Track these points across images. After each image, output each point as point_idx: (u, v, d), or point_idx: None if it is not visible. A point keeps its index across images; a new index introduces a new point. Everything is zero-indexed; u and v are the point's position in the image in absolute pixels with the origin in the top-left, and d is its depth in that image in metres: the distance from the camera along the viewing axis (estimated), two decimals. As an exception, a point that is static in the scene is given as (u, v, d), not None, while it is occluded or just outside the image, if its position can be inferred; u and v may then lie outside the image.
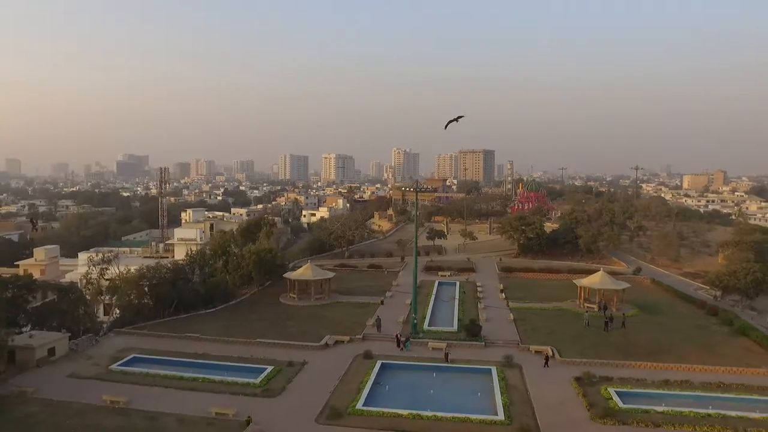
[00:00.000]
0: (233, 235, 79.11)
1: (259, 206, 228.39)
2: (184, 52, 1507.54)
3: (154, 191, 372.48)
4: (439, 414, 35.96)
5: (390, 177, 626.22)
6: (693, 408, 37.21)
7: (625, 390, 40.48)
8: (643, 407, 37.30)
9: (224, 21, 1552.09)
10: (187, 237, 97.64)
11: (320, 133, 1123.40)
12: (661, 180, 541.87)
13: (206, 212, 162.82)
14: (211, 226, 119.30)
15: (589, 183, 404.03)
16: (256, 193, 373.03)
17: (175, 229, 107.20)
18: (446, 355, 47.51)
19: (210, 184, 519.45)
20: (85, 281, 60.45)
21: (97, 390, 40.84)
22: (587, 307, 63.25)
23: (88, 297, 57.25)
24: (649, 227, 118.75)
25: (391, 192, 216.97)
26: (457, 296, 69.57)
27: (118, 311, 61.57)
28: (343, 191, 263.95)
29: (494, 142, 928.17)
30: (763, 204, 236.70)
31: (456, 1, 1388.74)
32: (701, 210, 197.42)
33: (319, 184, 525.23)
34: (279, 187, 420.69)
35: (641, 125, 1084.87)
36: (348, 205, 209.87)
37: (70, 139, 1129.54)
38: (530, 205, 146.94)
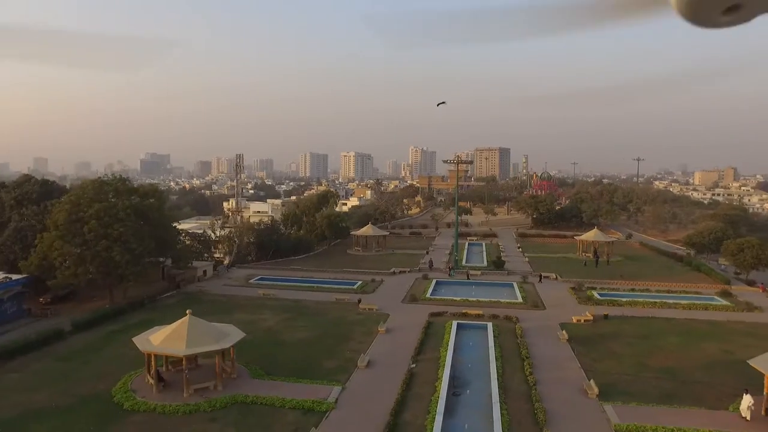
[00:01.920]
0: (309, 203, 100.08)
1: (293, 198, 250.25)
2: (199, 52, 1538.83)
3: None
4: (480, 299, 56.36)
5: (407, 174, 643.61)
6: (646, 299, 57.14)
7: (603, 292, 60.43)
8: (613, 298, 57.29)
9: (238, 20, 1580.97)
10: (261, 210, 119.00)
11: (337, 132, 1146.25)
12: (674, 178, 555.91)
13: (246, 201, 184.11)
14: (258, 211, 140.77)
15: (603, 180, 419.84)
16: (283, 187, 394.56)
17: (250, 204, 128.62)
18: (467, 274, 68.12)
19: (235, 181, 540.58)
20: (210, 231, 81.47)
21: (249, 290, 61.71)
22: (584, 255, 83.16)
23: (218, 242, 78.42)
24: (647, 210, 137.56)
25: (418, 181, 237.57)
26: (484, 250, 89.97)
27: (228, 255, 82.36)
28: (369, 183, 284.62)
29: (509, 141, 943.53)
30: (764, 196, 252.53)
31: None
32: (705, 202, 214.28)
33: (339, 181, 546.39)
34: (303, 183, 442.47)
35: (658, 125, 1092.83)
36: (376, 196, 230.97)
37: (91, 139, 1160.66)
38: (543, 192, 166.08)
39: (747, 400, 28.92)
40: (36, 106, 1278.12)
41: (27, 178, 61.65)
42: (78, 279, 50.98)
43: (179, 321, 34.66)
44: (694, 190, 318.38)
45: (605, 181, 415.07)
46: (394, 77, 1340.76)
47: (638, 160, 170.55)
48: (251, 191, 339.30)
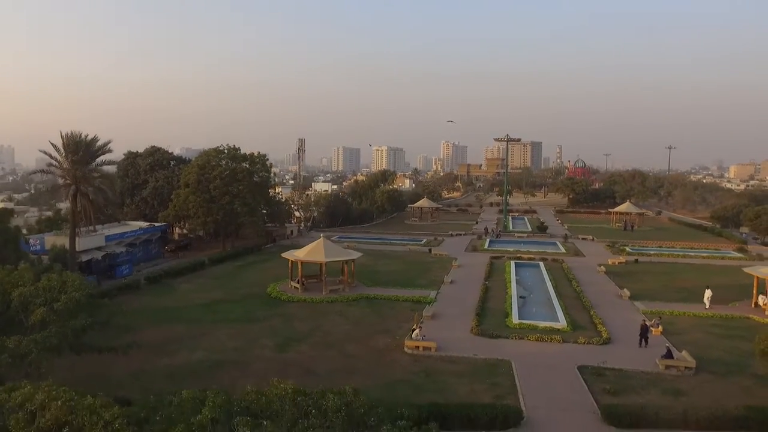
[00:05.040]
0: (370, 180, 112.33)
1: (335, 186, 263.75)
2: (233, 48, 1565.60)
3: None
4: (530, 249, 67.62)
5: (439, 168, 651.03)
6: (671, 252, 67.66)
7: (633, 248, 70.99)
8: (643, 251, 67.94)
9: (266, 17, 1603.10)
10: (322, 189, 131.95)
11: (366, 127, 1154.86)
12: (709, 172, 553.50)
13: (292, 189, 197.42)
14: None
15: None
16: (321, 178, 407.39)
17: (313, 183, 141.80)
18: (498, 234, 79.33)
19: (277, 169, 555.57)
20: (290, 200, 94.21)
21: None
22: (618, 225, 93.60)
23: (296, 211, 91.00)
24: (677, 194, 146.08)
25: (458, 170, 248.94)
26: (526, 221, 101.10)
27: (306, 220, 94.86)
28: (407, 174, 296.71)
29: (541, 135, 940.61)
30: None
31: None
32: (736, 192, 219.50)
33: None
34: (340, 176, 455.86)
35: (693, 121, 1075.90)
36: (413, 185, 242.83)
37: (128, 134, 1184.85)
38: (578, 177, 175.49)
39: (707, 294, 40.85)
40: (78, 102, 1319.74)
41: (156, 149, 74.68)
42: (207, 225, 63.80)
43: (315, 242, 46.90)
44: (728, 182, 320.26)
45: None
46: (422, 72, 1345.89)
47: (670, 148, 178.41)
48: (291, 181, 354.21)
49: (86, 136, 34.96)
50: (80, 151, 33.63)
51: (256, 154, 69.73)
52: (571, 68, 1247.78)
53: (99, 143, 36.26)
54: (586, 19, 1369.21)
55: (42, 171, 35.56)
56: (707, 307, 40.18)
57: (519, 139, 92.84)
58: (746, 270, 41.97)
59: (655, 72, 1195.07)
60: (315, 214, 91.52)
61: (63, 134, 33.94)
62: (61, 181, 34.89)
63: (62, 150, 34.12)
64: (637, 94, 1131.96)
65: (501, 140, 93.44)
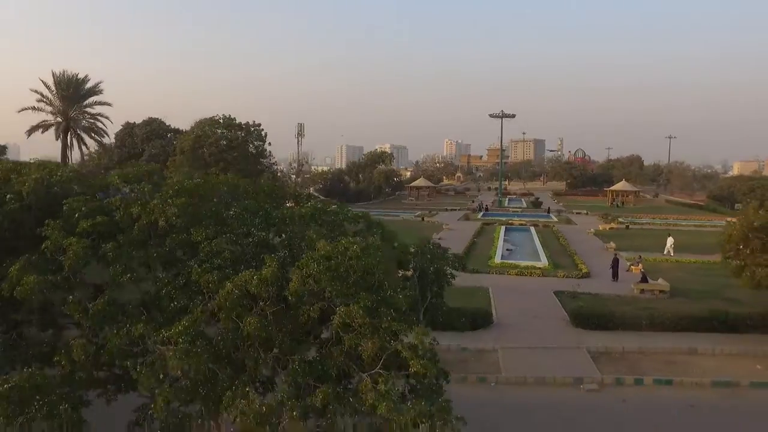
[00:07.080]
0: (367, 160, 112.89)
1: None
2: (233, 47, 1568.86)
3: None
4: (523, 219, 68.09)
5: (442, 166, 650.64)
6: (663, 222, 68.05)
7: (626, 219, 71.41)
8: (635, 221, 68.33)
9: (270, 17, 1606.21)
10: (320, 168, 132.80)
11: (370, 125, 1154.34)
12: (713, 171, 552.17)
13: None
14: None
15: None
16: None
17: (312, 167, 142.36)
18: (486, 207, 79.89)
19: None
20: (288, 175, 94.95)
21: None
22: (614, 203, 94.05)
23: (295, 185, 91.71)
24: (674, 179, 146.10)
25: (459, 161, 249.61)
26: (522, 201, 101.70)
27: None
28: (409, 169, 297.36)
29: (545, 134, 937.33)
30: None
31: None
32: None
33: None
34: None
35: (699, 118, 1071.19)
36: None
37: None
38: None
39: (670, 241, 42.45)
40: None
41: (153, 120, 75.39)
42: (201, 192, 64.41)
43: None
44: (730, 178, 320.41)
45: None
46: (423, 72, 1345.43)
47: (670, 137, 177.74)
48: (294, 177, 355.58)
49: (77, 74, 35.67)
50: (71, 88, 34.22)
51: (251, 122, 70.28)
52: (574, 66, 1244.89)
53: (90, 84, 36.93)
54: (587, 18, 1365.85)
55: (32, 108, 36.09)
56: (665, 253, 41.29)
57: (514, 115, 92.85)
58: (730, 219, 42.33)
59: (657, 71, 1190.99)
60: (312, 192, 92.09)
61: (54, 72, 34.56)
62: (51, 118, 35.44)
63: (53, 87, 34.69)
64: (639, 93, 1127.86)
65: (496, 116, 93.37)
